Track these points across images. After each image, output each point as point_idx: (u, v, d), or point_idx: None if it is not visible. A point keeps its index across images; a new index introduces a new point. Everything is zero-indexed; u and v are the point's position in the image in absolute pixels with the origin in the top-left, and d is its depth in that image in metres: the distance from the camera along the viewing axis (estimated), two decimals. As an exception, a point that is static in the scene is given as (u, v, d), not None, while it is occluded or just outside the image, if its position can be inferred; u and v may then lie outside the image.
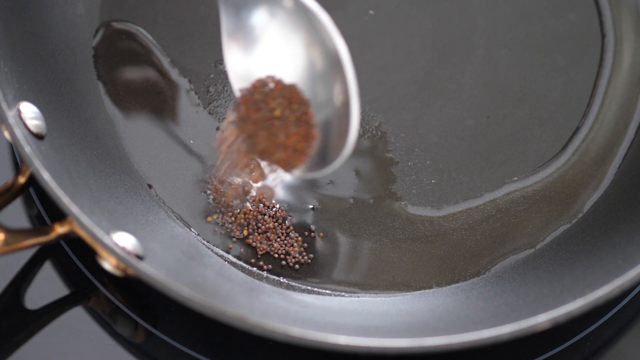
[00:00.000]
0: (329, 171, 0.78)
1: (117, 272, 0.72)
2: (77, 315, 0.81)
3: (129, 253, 0.72)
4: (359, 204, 0.84)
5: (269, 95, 0.77)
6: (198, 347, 0.80)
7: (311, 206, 0.84)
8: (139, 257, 0.74)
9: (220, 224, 0.82)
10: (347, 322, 0.78)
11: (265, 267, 0.82)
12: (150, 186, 0.83)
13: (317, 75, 0.77)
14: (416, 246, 0.83)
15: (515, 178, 0.86)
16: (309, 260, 0.82)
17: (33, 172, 0.71)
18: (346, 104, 0.75)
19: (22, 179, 0.75)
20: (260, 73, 0.78)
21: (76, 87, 0.84)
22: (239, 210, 0.82)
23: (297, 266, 0.82)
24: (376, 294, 0.81)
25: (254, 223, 0.82)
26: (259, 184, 0.83)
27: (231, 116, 0.78)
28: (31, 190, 0.83)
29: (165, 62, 0.88)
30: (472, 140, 0.87)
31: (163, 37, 0.88)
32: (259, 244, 0.82)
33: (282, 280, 0.82)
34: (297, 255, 0.82)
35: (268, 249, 0.82)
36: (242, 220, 0.82)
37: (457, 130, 0.87)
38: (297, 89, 0.77)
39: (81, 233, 0.71)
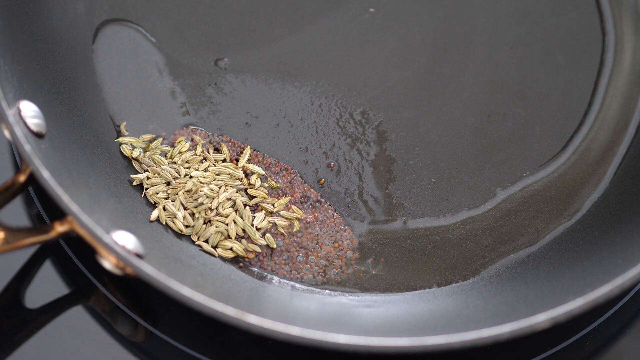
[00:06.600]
0: None
1: (116, 271, 0.72)
2: (77, 314, 0.81)
3: (128, 252, 0.72)
4: (359, 203, 0.84)
5: None
6: (198, 347, 0.80)
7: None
8: (139, 256, 0.74)
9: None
10: (347, 321, 0.78)
11: (266, 267, 0.82)
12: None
13: None
14: (416, 246, 0.83)
15: (516, 177, 0.86)
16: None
17: (33, 170, 0.71)
18: None
19: (22, 178, 0.75)
20: None
21: (76, 86, 0.84)
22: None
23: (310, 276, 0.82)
24: (376, 293, 0.81)
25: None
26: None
27: None
28: (31, 189, 0.83)
29: (164, 61, 0.88)
30: (472, 139, 0.87)
31: (162, 36, 0.88)
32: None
33: (282, 280, 0.82)
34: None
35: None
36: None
37: (458, 129, 0.87)
38: None
39: (81, 232, 0.71)
